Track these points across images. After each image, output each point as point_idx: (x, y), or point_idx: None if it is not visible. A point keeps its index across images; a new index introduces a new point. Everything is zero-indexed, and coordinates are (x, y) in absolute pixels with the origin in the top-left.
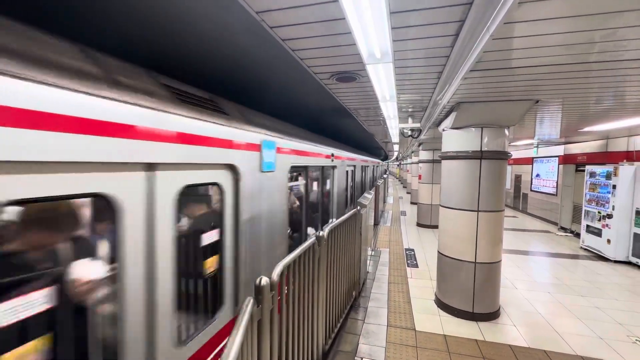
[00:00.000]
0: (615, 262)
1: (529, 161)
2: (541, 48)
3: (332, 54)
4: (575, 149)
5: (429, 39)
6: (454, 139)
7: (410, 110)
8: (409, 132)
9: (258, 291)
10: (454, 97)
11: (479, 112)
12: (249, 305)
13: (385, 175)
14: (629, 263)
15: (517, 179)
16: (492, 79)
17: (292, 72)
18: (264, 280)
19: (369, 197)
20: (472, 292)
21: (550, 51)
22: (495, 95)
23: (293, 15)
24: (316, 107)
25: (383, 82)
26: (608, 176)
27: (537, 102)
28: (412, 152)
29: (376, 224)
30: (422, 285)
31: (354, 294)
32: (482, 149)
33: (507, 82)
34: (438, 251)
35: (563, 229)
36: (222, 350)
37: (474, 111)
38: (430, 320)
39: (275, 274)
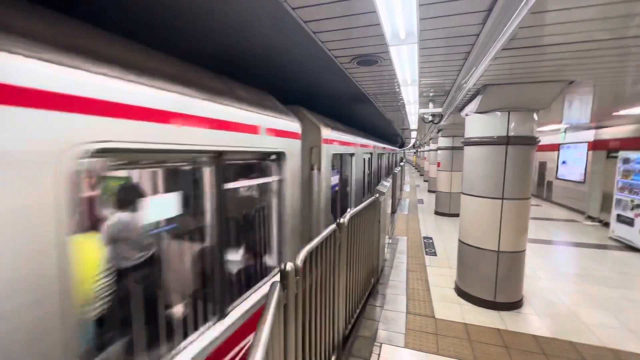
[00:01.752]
0: None
1: (555, 147)
2: (577, 23)
3: (354, 35)
4: (607, 134)
5: (458, 17)
6: (478, 124)
7: (431, 94)
8: (430, 118)
9: (283, 276)
10: (481, 79)
11: (506, 94)
12: (276, 289)
13: (402, 163)
14: None
15: (542, 166)
16: (524, 58)
17: (312, 57)
18: (289, 266)
19: (387, 184)
20: (494, 281)
21: (586, 26)
22: (526, 77)
23: None
24: (335, 93)
25: (405, 65)
26: None
27: (571, 83)
28: (431, 139)
29: (393, 212)
30: (441, 273)
31: (372, 280)
32: (509, 134)
33: (540, 62)
34: (459, 239)
35: (591, 218)
36: None
37: (501, 94)
38: (450, 308)
39: (300, 260)
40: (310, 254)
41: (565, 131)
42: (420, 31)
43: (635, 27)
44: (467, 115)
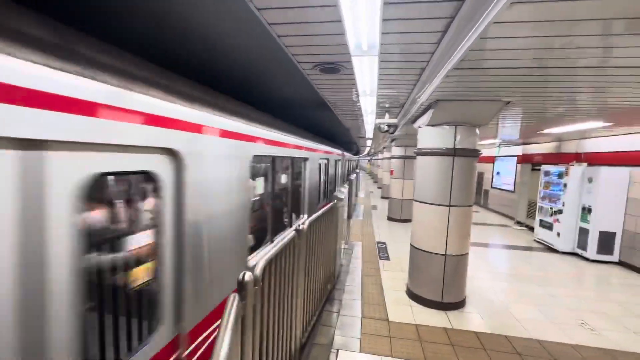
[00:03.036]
0: (563, 253)
1: (491, 160)
2: (511, 51)
3: (318, 42)
4: (532, 149)
5: (418, 34)
6: (429, 136)
7: (387, 105)
8: (386, 128)
9: (241, 287)
10: (434, 94)
11: (454, 110)
12: (234, 302)
13: (357, 170)
14: (574, 254)
15: (480, 176)
16: (471, 77)
17: (274, 61)
18: (247, 276)
19: (344, 191)
20: (441, 283)
21: (518, 54)
22: (471, 95)
23: None
24: (295, 99)
25: (366, 76)
26: (560, 175)
27: (508, 103)
28: (384, 147)
29: (349, 217)
30: (394, 277)
31: (329, 286)
32: (455, 146)
33: (483, 82)
34: (411, 244)
35: (519, 223)
36: None
37: (450, 109)
38: (403, 310)
39: (259, 269)
40: (269, 262)
41: (499, 146)
42: (381, 44)
43: (553, 59)
44: (419, 127)
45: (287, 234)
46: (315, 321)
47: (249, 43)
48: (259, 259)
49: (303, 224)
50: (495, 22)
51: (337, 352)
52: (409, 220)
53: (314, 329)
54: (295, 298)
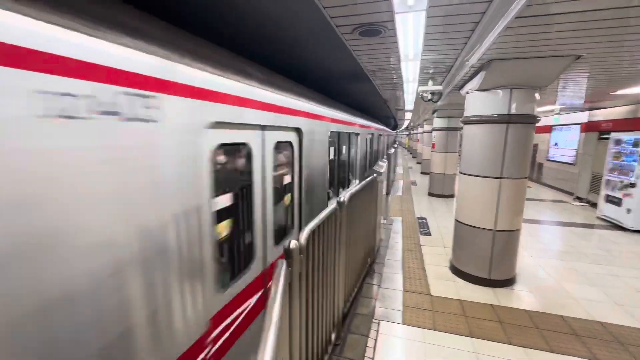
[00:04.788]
0: (634, 231)
1: (547, 129)
2: None
3: (359, 0)
4: (600, 115)
5: None
6: (479, 102)
7: (431, 71)
8: (429, 96)
9: (288, 254)
10: (487, 53)
11: (510, 71)
12: (282, 267)
13: (395, 145)
14: None
15: (534, 147)
16: (534, 29)
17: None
18: (293, 244)
19: (383, 165)
20: (489, 259)
21: None
22: (533, 51)
23: None
24: (334, 70)
25: (409, 36)
26: (635, 144)
27: (578, 58)
28: (425, 120)
29: (388, 193)
30: (436, 252)
31: (369, 260)
32: (510, 113)
33: (549, 33)
34: (455, 219)
35: (579, 198)
36: None
37: (505, 70)
38: (446, 285)
39: (303, 238)
40: (313, 232)
41: (559, 112)
42: None
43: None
44: (467, 93)
45: (330, 207)
46: (356, 292)
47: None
48: (304, 228)
49: (344, 196)
50: None
51: (379, 322)
52: (451, 196)
53: (355, 299)
54: (338, 268)
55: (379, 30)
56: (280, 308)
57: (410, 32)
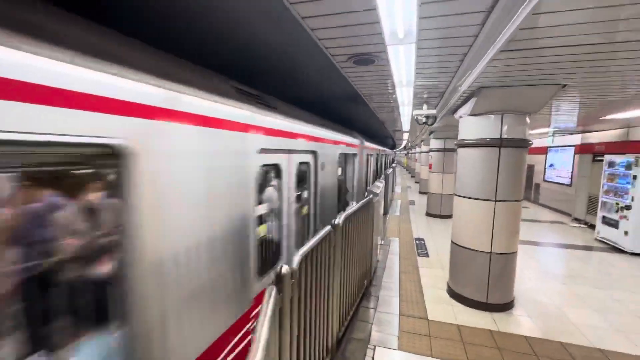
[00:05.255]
0: (632, 254)
1: (543, 150)
2: (572, 26)
3: (352, 33)
4: (593, 138)
5: (458, 16)
6: (471, 126)
7: (425, 96)
8: (424, 119)
9: (279, 279)
10: (477, 81)
11: (500, 97)
12: (272, 293)
13: (393, 164)
14: None
15: (529, 168)
16: (520, 60)
17: (308, 56)
18: (285, 269)
19: (380, 185)
20: (486, 283)
21: (579, 29)
22: (520, 80)
23: None
24: (330, 94)
25: (402, 65)
26: (628, 166)
27: (564, 86)
28: (422, 140)
29: (385, 213)
30: (434, 274)
31: (365, 282)
32: (502, 137)
33: (534, 65)
34: (451, 241)
35: (577, 220)
36: None
37: (495, 97)
38: (443, 309)
39: (295, 262)
40: (306, 256)
41: (553, 134)
42: (419, 30)
43: (622, 32)
44: (460, 117)
45: (323, 230)
46: (351, 316)
47: (281, 41)
48: (297, 253)
49: (339, 218)
50: None
51: (375, 348)
52: (449, 216)
53: (350, 323)
54: (332, 292)
55: (372, 59)
56: (268, 334)
57: (402, 61)
